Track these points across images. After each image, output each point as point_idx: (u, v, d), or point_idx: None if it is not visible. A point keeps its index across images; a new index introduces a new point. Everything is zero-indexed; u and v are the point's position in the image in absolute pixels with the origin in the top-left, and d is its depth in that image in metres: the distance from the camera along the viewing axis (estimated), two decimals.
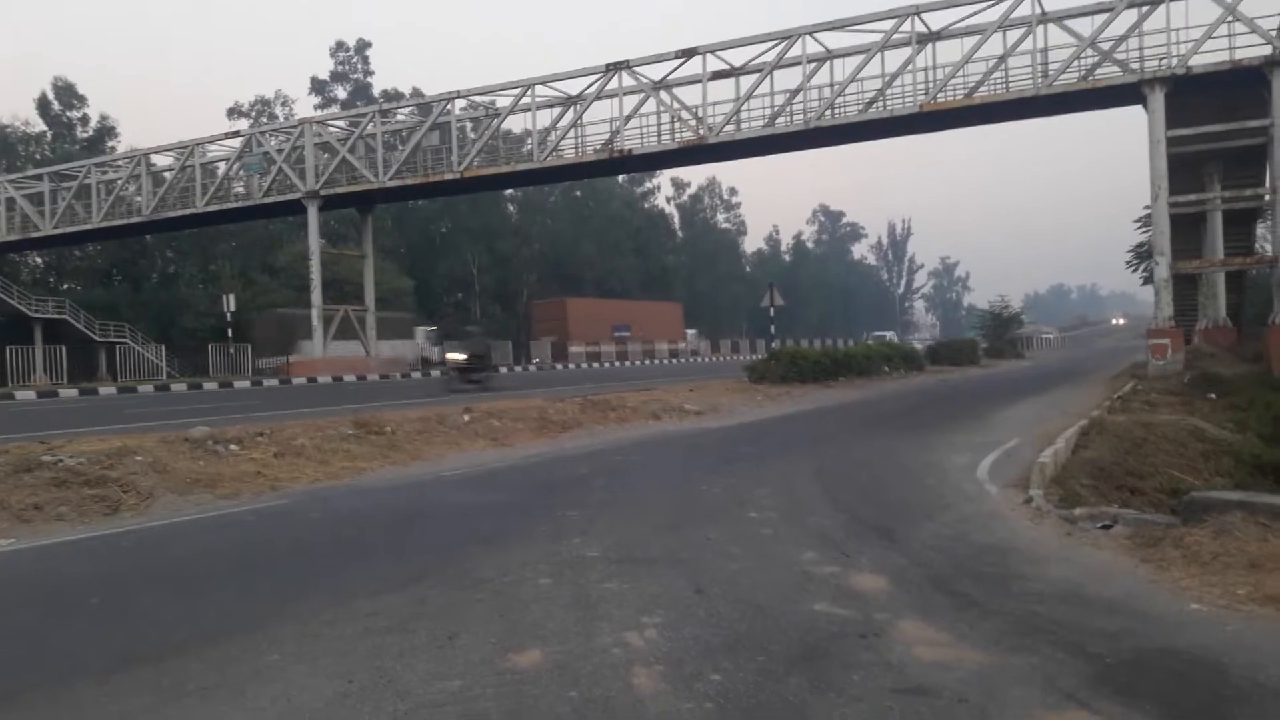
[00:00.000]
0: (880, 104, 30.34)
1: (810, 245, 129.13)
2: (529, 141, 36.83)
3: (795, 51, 31.04)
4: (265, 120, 58.09)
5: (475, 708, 3.97)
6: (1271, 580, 5.52)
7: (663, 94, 33.26)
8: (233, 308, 41.20)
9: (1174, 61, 26.24)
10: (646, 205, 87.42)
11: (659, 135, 34.13)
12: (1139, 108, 27.03)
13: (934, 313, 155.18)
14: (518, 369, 49.69)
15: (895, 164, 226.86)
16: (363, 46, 65.21)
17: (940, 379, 31.95)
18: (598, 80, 33.98)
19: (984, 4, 28.39)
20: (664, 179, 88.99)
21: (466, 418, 15.17)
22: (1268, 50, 25.07)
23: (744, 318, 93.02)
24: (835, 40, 31.29)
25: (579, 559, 6.60)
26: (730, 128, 32.34)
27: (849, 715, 3.86)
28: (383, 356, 43.99)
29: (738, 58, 32.36)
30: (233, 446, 11.70)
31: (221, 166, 43.63)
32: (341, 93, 64.23)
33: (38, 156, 53.74)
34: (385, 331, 47.02)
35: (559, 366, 54.05)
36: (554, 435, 15.21)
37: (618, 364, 57.97)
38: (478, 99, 37.90)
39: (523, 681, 4.25)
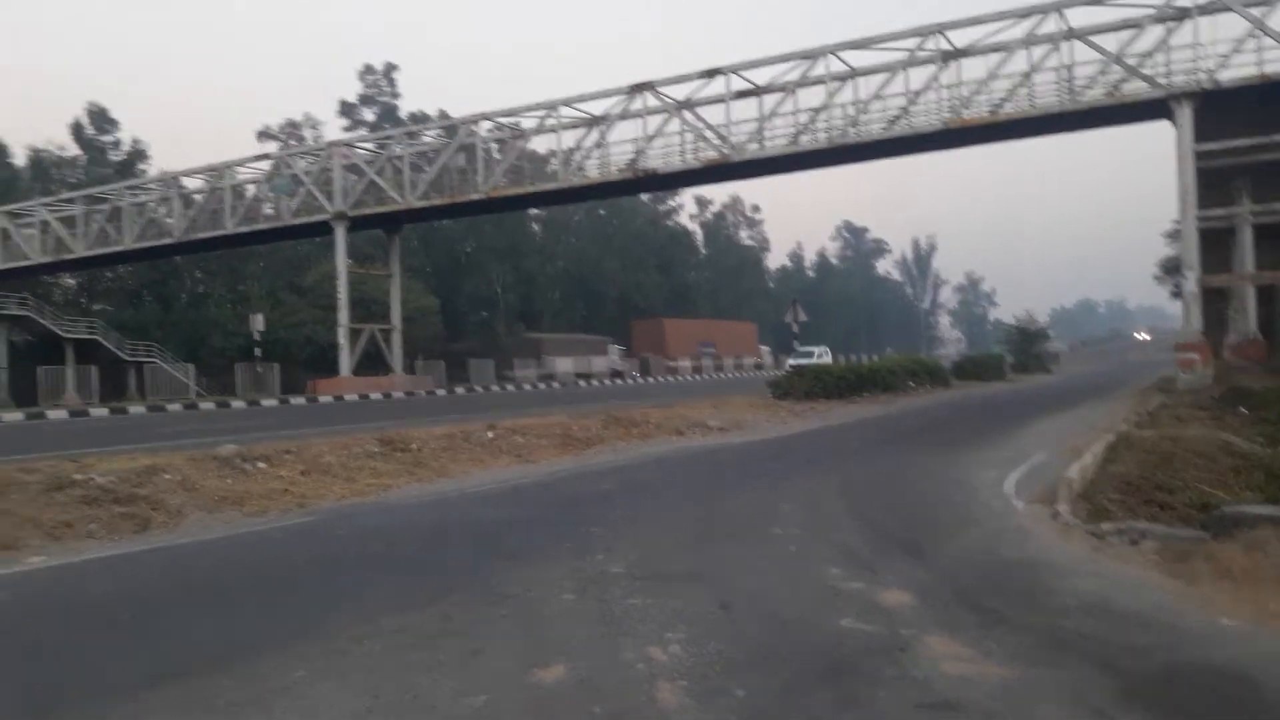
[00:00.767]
0: (905, 121, 30.33)
1: (834, 261, 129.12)
2: (553, 161, 37.16)
3: (819, 70, 31.14)
4: (294, 143, 58.75)
5: None
6: None
7: (686, 113, 33.42)
8: (261, 327, 41.65)
9: (1202, 76, 26.06)
10: (670, 223, 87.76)
11: (682, 154, 34.31)
12: (1166, 122, 26.86)
13: (959, 328, 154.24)
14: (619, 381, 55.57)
15: (920, 180, 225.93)
16: (390, 69, 65.92)
17: (966, 394, 31.70)
18: (622, 100, 34.19)
19: (1009, 21, 28.38)
20: (687, 197, 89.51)
21: (491, 434, 15.23)
22: None
23: (768, 334, 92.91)
24: (859, 58, 31.43)
25: (603, 574, 6.60)
26: (754, 146, 32.42)
27: None
28: (407, 376, 44.35)
29: (761, 77, 32.56)
30: (260, 464, 11.79)
31: (251, 188, 44.17)
32: (369, 115, 64.87)
33: (71, 180, 54.64)
34: (583, 349, 62.21)
35: (650, 379, 59.40)
36: (577, 451, 15.23)
37: (694, 378, 62.24)
38: (503, 120, 38.26)
39: (547, 697, 4.26)
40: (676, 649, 4.87)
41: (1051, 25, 27.82)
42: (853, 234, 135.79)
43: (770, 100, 32.23)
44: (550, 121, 35.59)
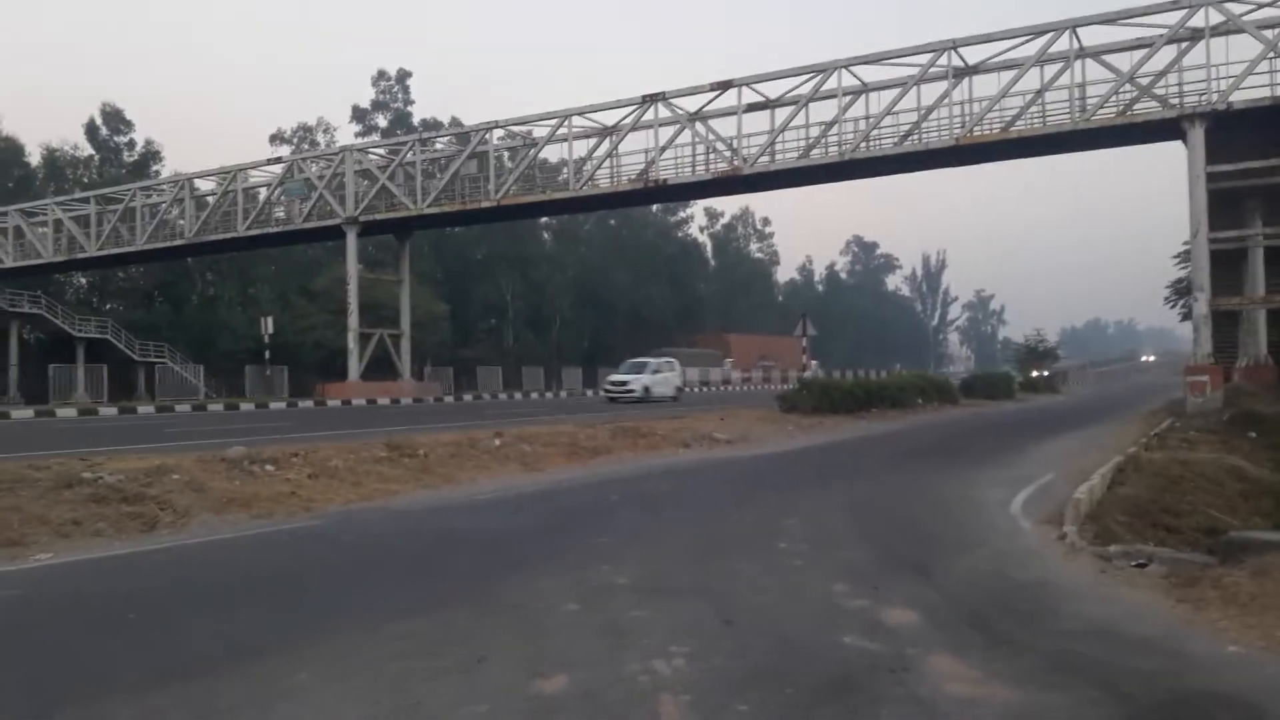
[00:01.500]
0: (916, 137, 30.33)
1: (844, 276, 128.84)
2: (565, 171, 37.21)
3: (831, 84, 31.14)
4: (307, 147, 59.02)
5: None
6: None
7: (698, 125, 33.47)
8: (271, 330, 41.76)
9: (1214, 97, 26.01)
10: (680, 234, 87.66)
11: (693, 166, 34.36)
12: (1178, 143, 26.81)
13: (968, 345, 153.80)
14: None
15: (931, 196, 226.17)
16: (403, 76, 66.22)
17: (974, 412, 31.66)
18: (634, 111, 34.27)
19: (1021, 39, 28.36)
20: (697, 208, 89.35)
21: (498, 442, 15.23)
22: None
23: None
24: (871, 73, 31.43)
25: (607, 586, 6.60)
26: (765, 159, 32.44)
27: None
28: (415, 382, 44.45)
29: (773, 90, 32.56)
30: (268, 467, 11.82)
31: (263, 191, 44.32)
32: (382, 121, 65.14)
33: (85, 180, 54.93)
34: (699, 362, 66.47)
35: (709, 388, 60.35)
36: (584, 461, 15.24)
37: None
38: (515, 129, 38.38)
39: (549, 708, 4.25)
40: (680, 662, 4.85)
41: (1064, 44, 27.78)
42: (863, 249, 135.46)
43: (782, 114, 32.26)
44: (562, 131, 35.68)
